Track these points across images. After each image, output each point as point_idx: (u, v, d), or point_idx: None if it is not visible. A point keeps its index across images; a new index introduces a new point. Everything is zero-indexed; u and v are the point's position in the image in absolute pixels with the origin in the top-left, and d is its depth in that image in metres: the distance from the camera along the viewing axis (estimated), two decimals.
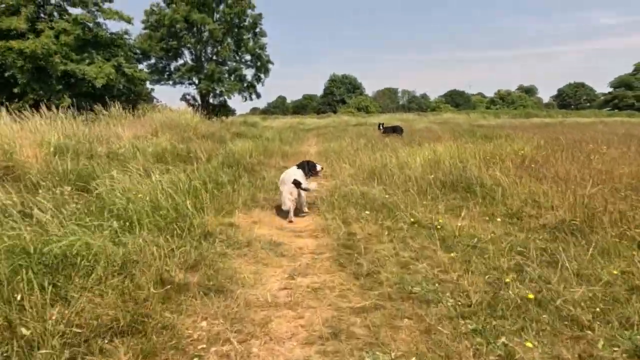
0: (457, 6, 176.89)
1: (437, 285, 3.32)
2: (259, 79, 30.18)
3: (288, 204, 5.51)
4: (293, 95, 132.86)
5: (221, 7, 27.58)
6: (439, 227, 4.64)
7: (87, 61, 23.20)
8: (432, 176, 6.84)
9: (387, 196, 5.81)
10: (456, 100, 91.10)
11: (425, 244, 4.25)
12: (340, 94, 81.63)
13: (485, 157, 8.30)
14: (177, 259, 3.76)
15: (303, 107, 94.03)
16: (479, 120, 33.84)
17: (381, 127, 18.08)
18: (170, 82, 28.26)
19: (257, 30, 28.86)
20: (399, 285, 3.33)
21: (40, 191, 5.58)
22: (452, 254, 3.86)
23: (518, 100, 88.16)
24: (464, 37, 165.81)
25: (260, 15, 28.49)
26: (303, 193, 5.70)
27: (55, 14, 22.96)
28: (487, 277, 3.38)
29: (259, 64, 29.41)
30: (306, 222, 5.41)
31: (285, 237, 4.71)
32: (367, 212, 5.23)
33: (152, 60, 28.38)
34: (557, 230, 4.55)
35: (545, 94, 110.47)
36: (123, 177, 5.67)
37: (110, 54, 24.64)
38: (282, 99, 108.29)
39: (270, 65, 30.08)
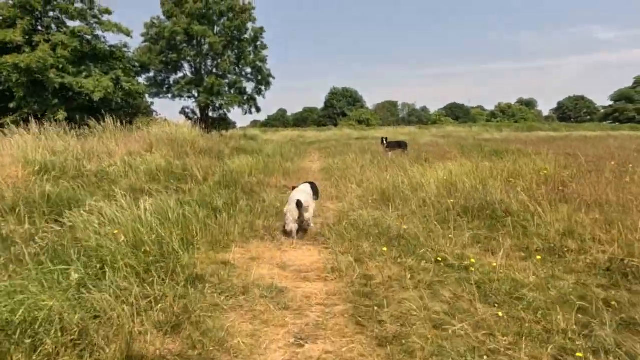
0: (455, 21, 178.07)
1: (485, 358, 2.57)
2: (259, 92, 29.65)
3: (291, 225, 5.24)
4: (294, 108, 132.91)
5: (222, 20, 27.21)
6: (471, 268, 3.89)
7: (84, 74, 22.76)
8: (452, 201, 6.12)
9: (404, 227, 5.07)
10: (456, 113, 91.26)
11: (458, 292, 3.50)
12: (341, 106, 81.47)
13: (506, 177, 7.60)
14: (155, 316, 3.02)
15: (304, 119, 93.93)
16: (483, 134, 33.27)
17: (384, 142, 17.30)
18: (170, 96, 27.75)
19: (258, 43, 28.44)
20: (437, 358, 2.58)
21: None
22: (497, 312, 3.10)
23: (519, 113, 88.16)
24: (463, 51, 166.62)
25: (261, 28, 28.13)
26: (308, 212, 5.40)
27: (53, 26, 22.58)
28: (549, 347, 2.63)
29: (259, 77, 28.91)
30: (313, 257, 4.67)
31: (288, 280, 3.96)
32: (384, 248, 4.48)
33: (152, 74, 27.92)
34: (612, 272, 3.83)
35: (544, 107, 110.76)
36: (104, 204, 4.95)
37: (109, 67, 24.19)
38: (282, 112, 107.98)
39: (271, 79, 29.62)
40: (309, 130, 49.41)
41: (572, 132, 34.89)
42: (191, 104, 28.86)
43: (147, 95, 26.50)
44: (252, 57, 27.88)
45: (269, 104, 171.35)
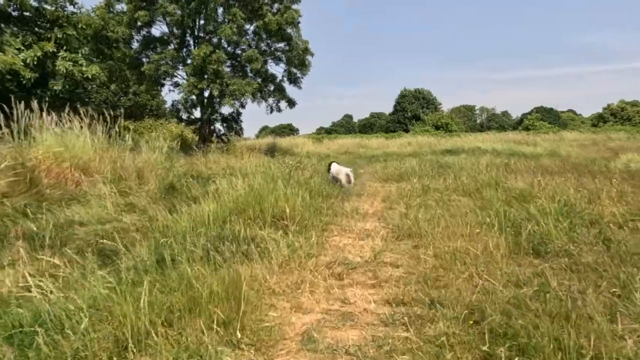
0: (528, 24, 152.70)
1: None
2: (291, 78, 17.63)
3: (346, 185, 8.53)
4: (361, 114, 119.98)
5: None
6: None
7: None
8: None
9: None
10: (544, 117, 72.84)
11: None
12: (413, 110, 66.92)
13: None
14: None
15: (370, 125, 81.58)
16: None
17: None
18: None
19: None
20: None
21: None
22: None
23: (637, 117, 67.30)
24: (538, 55, 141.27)
25: None
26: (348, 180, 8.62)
27: None
28: None
29: (289, 52, 16.86)
30: None
31: None
32: None
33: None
34: None
35: None
36: None
37: (37, 36, 14.00)
38: (348, 118, 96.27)
39: (308, 58, 17.43)
40: (373, 138, 36.23)
41: None
42: (177, 94, 17.68)
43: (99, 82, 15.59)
44: (273, 17, 15.69)
45: (337, 110, 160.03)
